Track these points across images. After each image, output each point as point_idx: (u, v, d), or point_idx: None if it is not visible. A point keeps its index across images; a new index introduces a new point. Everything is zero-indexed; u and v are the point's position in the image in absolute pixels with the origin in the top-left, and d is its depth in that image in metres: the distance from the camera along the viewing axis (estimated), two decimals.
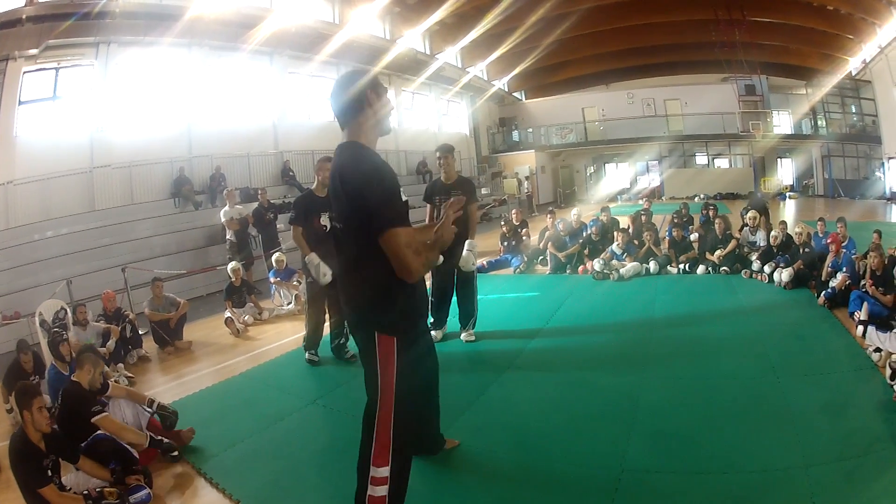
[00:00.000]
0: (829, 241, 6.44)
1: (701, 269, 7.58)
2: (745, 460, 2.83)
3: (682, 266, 7.73)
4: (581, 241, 8.61)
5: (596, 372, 4.27)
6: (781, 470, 2.73)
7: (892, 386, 3.47)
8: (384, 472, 2.20)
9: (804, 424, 3.14)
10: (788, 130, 20.91)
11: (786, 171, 22.41)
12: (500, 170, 23.03)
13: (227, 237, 8.91)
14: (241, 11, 12.07)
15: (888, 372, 3.59)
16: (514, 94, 25.77)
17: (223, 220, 8.90)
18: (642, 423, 3.35)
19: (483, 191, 20.08)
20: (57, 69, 10.01)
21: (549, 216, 9.63)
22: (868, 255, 5.40)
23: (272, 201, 9.76)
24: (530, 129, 24.33)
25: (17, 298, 7.45)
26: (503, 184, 21.99)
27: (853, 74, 18.87)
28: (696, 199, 18.40)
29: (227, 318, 6.53)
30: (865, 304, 4.67)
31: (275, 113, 13.98)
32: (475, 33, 17.50)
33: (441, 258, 4.72)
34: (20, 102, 9.44)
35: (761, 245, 7.45)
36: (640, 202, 14.07)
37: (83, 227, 9.49)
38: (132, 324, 5.81)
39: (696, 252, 7.98)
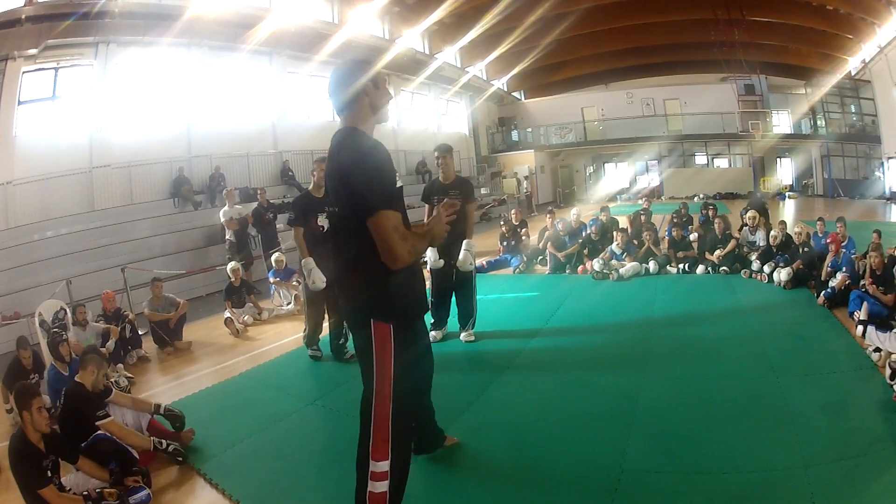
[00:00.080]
0: (828, 240, 6.45)
1: (700, 268, 7.58)
2: (744, 460, 2.83)
3: (681, 266, 7.73)
4: (580, 240, 8.61)
5: (595, 372, 4.27)
6: (781, 470, 2.73)
7: (891, 386, 3.47)
8: (384, 466, 2.18)
9: (804, 424, 3.14)
10: (788, 130, 20.92)
11: (785, 171, 22.42)
12: (499, 169, 23.03)
13: (227, 237, 8.90)
14: (241, 11, 12.06)
15: (888, 372, 3.59)
16: (514, 93, 25.76)
17: (222, 220, 8.89)
18: (642, 423, 3.35)
19: (482, 191, 20.09)
20: (56, 69, 10.00)
21: (548, 216, 9.63)
22: (868, 255, 5.41)
23: (271, 201, 9.76)
24: (529, 129, 24.32)
25: (16, 299, 7.45)
26: (502, 184, 22.00)
27: (852, 74, 18.87)
28: (696, 198, 18.39)
29: (226, 319, 6.53)
30: (865, 303, 4.67)
31: (274, 113, 13.97)
32: (474, 33, 17.49)
33: (441, 261, 4.77)
34: (19, 102, 9.43)
35: (761, 245, 7.45)
36: (640, 202, 14.06)
37: (82, 227, 9.48)
38: (132, 324, 5.80)
39: (695, 252, 7.98)
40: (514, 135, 24.77)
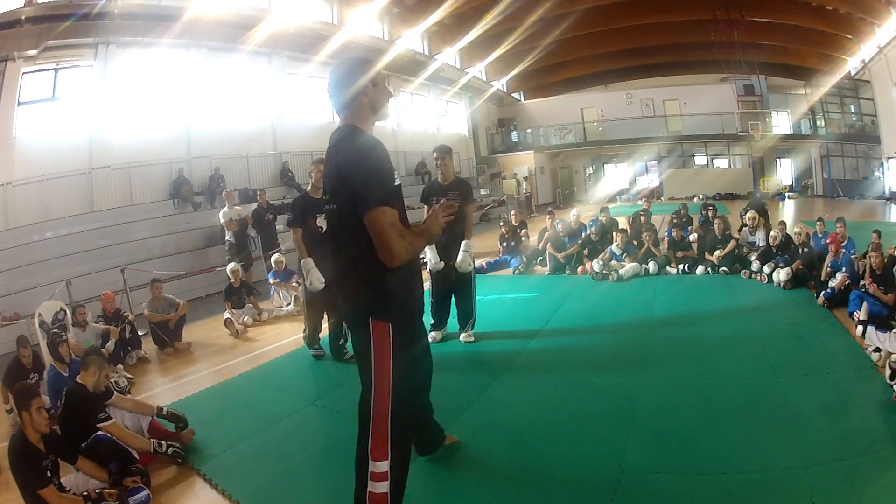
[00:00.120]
0: (828, 241, 6.45)
1: (700, 269, 7.58)
2: (744, 460, 2.83)
3: (681, 266, 7.73)
4: (580, 241, 8.61)
5: (595, 372, 4.26)
6: (781, 470, 2.73)
7: (891, 386, 3.47)
8: (384, 466, 2.17)
9: (804, 424, 3.14)
10: (787, 130, 20.93)
11: (785, 172, 22.42)
12: (499, 170, 23.04)
13: (226, 238, 8.89)
14: (240, 12, 12.07)
15: (888, 372, 3.59)
16: (513, 94, 25.77)
17: (222, 220, 8.89)
18: (641, 423, 3.35)
19: (482, 191, 20.09)
20: (56, 70, 10.01)
21: (548, 217, 9.62)
22: (868, 255, 5.41)
23: (271, 202, 9.75)
24: (529, 130, 24.34)
25: (16, 299, 7.45)
26: (502, 184, 22.01)
27: (852, 74, 18.88)
28: (696, 199, 18.40)
29: (226, 319, 6.53)
30: (865, 303, 4.68)
31: (273, 114, 13.97)
32: (474, 34, 17.50)
33: (442, 263, 4.77)
34: (19, 103, 9.43)
35: (760, 245, 7.46)
36: (640, 202, 14.08)
37: (82, 227, 9.49)
38: (131, 325, 5.80)
39: (695, 252, 7.98)
40: (514, 136, 24.78)
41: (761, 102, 21.23)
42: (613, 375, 4.16)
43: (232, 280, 7.01)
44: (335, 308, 4.55)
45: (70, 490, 2.96)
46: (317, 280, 4.48)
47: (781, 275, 6.45)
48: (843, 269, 5.69)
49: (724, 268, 7.39)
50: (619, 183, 23.90)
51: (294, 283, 7.26)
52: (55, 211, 9.43)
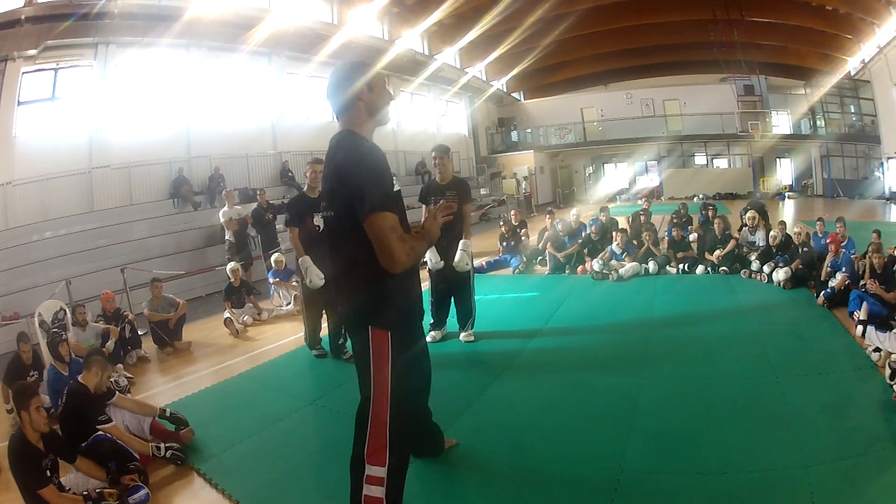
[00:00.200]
0: (828, 240, 6.45)
1: (700, 269, 7.58)
2: (744, 460, 2.83)
3: (681, 266, 7.73)
4: (580, 241, 8.61)
5: (595, 372, 4.26)
6: (781, 470, 2.73)
7: (891, 386, 3.47)
8: (380, 471, 2.15)
9: (804, 424, 3.14)
10: (787, 130, 20.94)
11: (785, 171, 22.42)
12: (498, 170, 23.04)
13: (226, 238, 8.90)
14: (240, 12, 12.06)
15: (888, 372, 3.59)
16: (513, 94, 25.77)
17: (222, 220, 8.89)
18: (641, 423, 3.35)
19: (482, 191, 20.11)
20: (56, 70, 10.00)
21: (548, 216, 9.63)
22: (868, 255, 5.41)
23: (271, 202, 9.73)
24: (529, 130, 24.35)
25: (16, 299, 7.45)
26: (502, 184, 22.02)
27: (852, 74, 18.88)
28: (695, 199, 18.38)
29: (226, 319, 6.53)
30: (865, 303, 4.68)
31: (273, 113, 13.97)
32: (474, 34, 17.50)
33: (442, 263, 4.76)
34: (19, 103, 9.43)
35: (760, 245, 7.45)
36: (639, 202, 14.07)
37: (82, 227, 9.48)
38: (131, 324, 5.80)
39: (695, 252, 7.98)
40: (514, 135, 24.79)
41: (761, 102, 21.24)
42: (613, 375, 4.16)
43: (232, 279, 7.01)
44: (334, 307, 4.55)
45: (70, 489, 2.96)
46: (316, 276, 4.48)
47: (779, 274, 6.45)
48: (843, 269, 5.69)
49: (723, 267, 7.39)
50: (618, 183, 23.90)
51: (294, 283, 7.26)
52: (55, 210, 9.43)
